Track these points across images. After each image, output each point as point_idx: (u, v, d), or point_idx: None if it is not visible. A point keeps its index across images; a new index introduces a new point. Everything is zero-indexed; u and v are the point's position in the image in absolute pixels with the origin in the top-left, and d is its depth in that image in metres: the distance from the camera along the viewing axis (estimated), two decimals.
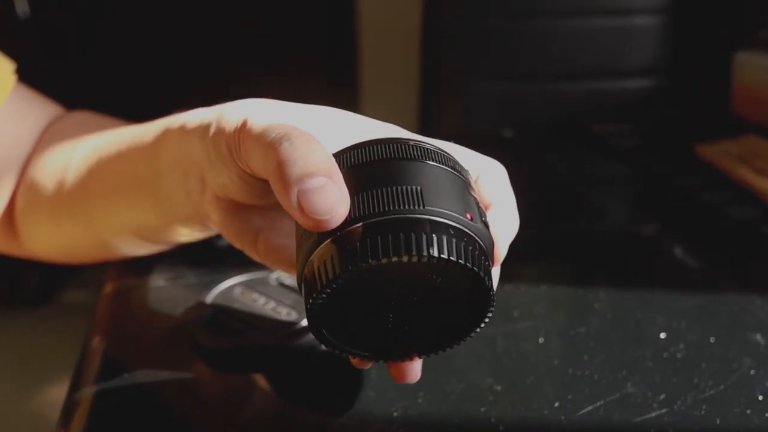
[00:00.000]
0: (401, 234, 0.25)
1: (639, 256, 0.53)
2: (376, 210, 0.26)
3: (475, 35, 1.03)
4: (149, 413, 0.36)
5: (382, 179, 0.27)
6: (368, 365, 0.31)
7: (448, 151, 0.30)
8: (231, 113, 0.31)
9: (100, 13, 1.79)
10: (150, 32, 1.80)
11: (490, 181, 0.32)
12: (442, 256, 0.25)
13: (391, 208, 0.26)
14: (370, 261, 0.24)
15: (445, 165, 0.28)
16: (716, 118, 0.82)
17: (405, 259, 0.25)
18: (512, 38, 1.03)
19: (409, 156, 0.28)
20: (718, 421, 0.34)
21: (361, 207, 0.26)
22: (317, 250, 0.26)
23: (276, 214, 0.36)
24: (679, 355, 0.39)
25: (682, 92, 1.04)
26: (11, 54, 0.48)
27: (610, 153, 0.74)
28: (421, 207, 0.26)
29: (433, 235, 0.25)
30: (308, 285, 0.27)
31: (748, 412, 0.35)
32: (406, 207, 0.26)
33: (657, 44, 1.04)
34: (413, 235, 0.25)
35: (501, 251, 0.30)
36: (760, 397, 0.36)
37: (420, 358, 0.30)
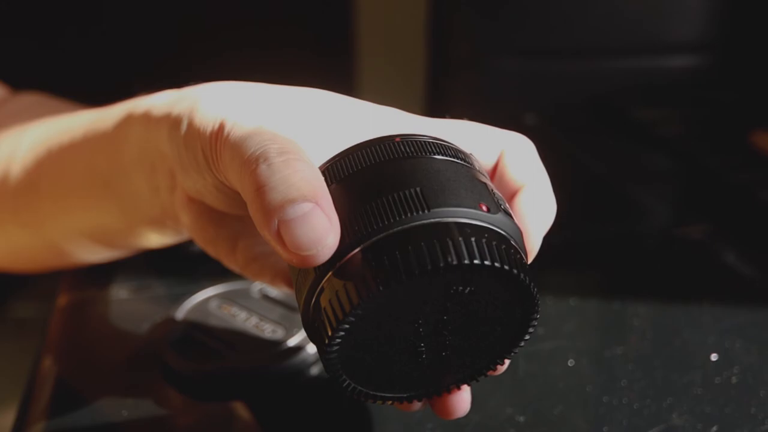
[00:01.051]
0: (409, 248, 0.24)
1: (685, 263, 0.53)
2: (376, 227, 0.25)
3: (491, 5, 1.03)
4: None
5: (375, 189, 0.26)
6: (417, 407, 0.30)
7: (461, 132, 0.30)
8: (205, 111, 0.30)
9: None
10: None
11: (517, 160, 0.31)
12: (463, 261, 0.24)
13: (392, 220, 0.25)
14: (380, 288, 0.24)
15: (444, 154, 0.28)
16: None
17: (419, 277, 0.24)
18: (535, 8, 1.03)
19: (398, 155, 0.27)
20: None
21: (358, 227, 0.25)
22: (319, 288, 0.26)
23: None
24: (733, 380, 0.39)
25: (735, 71, 1.03)
26: None
27: (652, 143, 0.74)
28: (425, 211, 0.25)
29: (447, 239, 0.24)
30: (318, 330, 0.26)
31: None
32: (409, 215, 0.25)
33: (706, 15, 1.04)
34: (423, 246, 0.24)
35: (534, 243, 0.29)
36: None
37: (468, 385, 0.30)
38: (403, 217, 0.25)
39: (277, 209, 0.25)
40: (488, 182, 0.28)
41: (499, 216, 0.26)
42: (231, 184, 0.29)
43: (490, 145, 0.31)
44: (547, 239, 0.31)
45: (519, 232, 0.27)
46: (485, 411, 0.37)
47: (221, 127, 0.29)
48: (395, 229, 0.25)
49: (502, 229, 0.26)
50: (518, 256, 0.26)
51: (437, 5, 1.10)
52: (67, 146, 0.41)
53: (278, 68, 0.33)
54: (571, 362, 0.41)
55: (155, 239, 0.42)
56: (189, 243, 0.43)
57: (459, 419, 0.36)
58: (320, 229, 0.25)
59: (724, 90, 0.99)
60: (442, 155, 0.28)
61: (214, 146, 0.29)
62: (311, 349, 0.39)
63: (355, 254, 0.25)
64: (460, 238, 0.24)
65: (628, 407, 0.37)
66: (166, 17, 1.76)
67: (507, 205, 0.28)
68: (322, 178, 0.27)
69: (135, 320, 0.44)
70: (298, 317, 0.42)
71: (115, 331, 0.44)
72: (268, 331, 0.40)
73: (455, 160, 0.28)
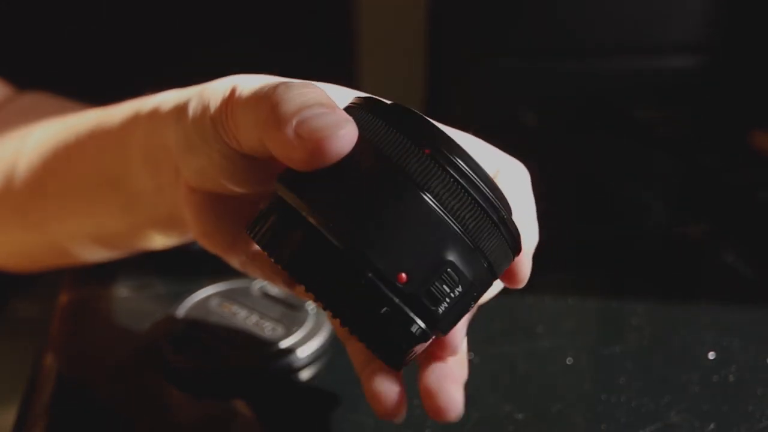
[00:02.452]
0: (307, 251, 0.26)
1: (683, 262, 0.53)
2: (323, 218, 0.25)
3: (490, 5, 1.03)
4: None
5: (354, 189, 0.26)
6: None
7: (466, 145, 0.29)
8: (214, 87, 0.31)
9: None
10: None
11: (509, 184, 0.31)
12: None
13: (329, 225, 0.25)
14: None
15: (452, 191, 0.25)
16: None
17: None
18: (534, 9, 1.03)
19: (402, 171, 0.26)
20: None
21: (324, 205, 0.26)
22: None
23: (254, 212, 0.36)
24: (731, 379, 0.39)
25: (735, 72, 1.03)
26: None
27: (651, 143, 0.74)
28: (345, 246, 0.25)
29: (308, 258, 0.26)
30: None
31: None
32: (337, 237, 0.25)
33: (705, 15, 1.04)
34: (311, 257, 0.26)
35: (523, 265, 0.29)
36: None
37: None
38: (335, 232, 0.25)
39: (294, 113, 0.25)
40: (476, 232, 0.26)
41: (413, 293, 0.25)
42: (239, 140, 0.29)
43: (486, 163, 0.31)
44: (544, 239, 0.32)
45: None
46: (484, 408, 0.37)
47: (233, 92, 0.29)
48: (323, 231, 0.25)
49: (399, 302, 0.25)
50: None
51: (436, 6, 1.10)
52: (73, 145, 0.41)
53: (280, 70, 0.33)
54: (569, 360, 0.41)
55: (159, 240, 0.42)
56: (190, 242, 0.43)
57: None
58: (335, 119, 0.25)
59: (723, 90, 0.99)
60: (449, 193, 0.25)
61: (224, 110, 0.29)
62: (310, 347, 0.39)
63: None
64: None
65: (626, 405, 0.37)
66: (166, 19, 1.77)
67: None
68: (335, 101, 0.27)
69: (136, 318, 0.44)
70: (298, 315, 0.42)
71: (116, 329, 0.44)
72: (268, 329, 0.40)
73: (453, 202, 0.25)
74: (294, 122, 0.25)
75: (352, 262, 0.25)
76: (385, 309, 0.25)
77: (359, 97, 0.28)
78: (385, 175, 0.25)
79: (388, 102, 0.28)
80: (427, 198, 0.25)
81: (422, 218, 0.25)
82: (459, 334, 0.30)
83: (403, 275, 0.25)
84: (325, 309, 0.27)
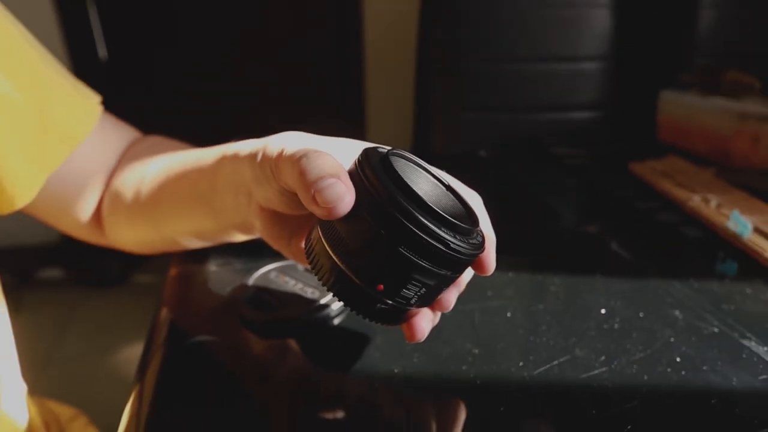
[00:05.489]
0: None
1: (585, 250, 0.53)
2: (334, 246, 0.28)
3: (457, 77, 1.04)
4: (205, 369, 0.36)
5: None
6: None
7: (438, 183, 0.30)
8: (273, 144, 0.31)
9: (166, 65, 1.80)
10: (206, 76, 1.81)
11: (473, 204, 0.31)
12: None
13: (333, 247, 0.28)
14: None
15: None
16: (645, 143, 0.82)
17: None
18: (486, 79, 1.03)
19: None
20: (645, 378, 0.34)
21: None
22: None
23: (304, 223, 0.36)
24: (615, 327, 0.39)
25: (619, 122, 1.04)
26: (96, 90, 0.48)
27: (563, 169, 0.74)
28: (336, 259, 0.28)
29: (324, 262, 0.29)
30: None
31: (669, 370, 0.35)
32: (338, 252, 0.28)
33: (600, 85, 1.04)
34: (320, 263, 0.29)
35: (490, 257, 0.30)
36: (678, 359, 0.36)
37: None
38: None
39: (313, 183, 0.26)
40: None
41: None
42: (287, 185, 0.30)
43: (464, 191, 0.32)
44: (496, 236, 0.32)
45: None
46: (453, 346, 0.37)
47: (281, 152, 0.30)
48: (342, 266, 0.28)
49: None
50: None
51: (423, 78, 1.10)
52: (180, 173, 0.41)
53: (316, 126, 0.34)
54: (509, 314, 0.41)
55: (237, 237, 0.42)
56: (258, 237, 0.43)
57: (436, 351, 0.36)
58: (341, 192, 0.26)
59: (612, 134, 0.99)
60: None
61: (277, 163, 0.30)
62: (338, 304, 0.40)
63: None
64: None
65: (546, 344, 0.37)
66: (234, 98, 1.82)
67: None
68: (342, 165, 0.28)
69: (221, 285, 0.44)
70: None
71: (207, 293, 0.44)
72: (309, 293, 0.40)
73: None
74: (312, 191, 0.26)
75: (362, 286, 0.27)
76: (378, 305, 0.28)
77: (360, 154, 0.28)
78: (373, 232, 0.26)
79: (382, 152, 0.28)
80: (401, 250, 0.26)
81: (396, 258, 0.26)
82: (448, 301, 0.30)
83: (381, 286, 0.27)
84: (339, 301, 0.30)
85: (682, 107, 0.79)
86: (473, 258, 0.28)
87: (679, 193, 0.61)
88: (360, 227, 0.26)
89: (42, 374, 1.39)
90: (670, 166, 0.70)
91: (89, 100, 0.46)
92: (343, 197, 0.26)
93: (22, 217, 0.47)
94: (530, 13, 1.01)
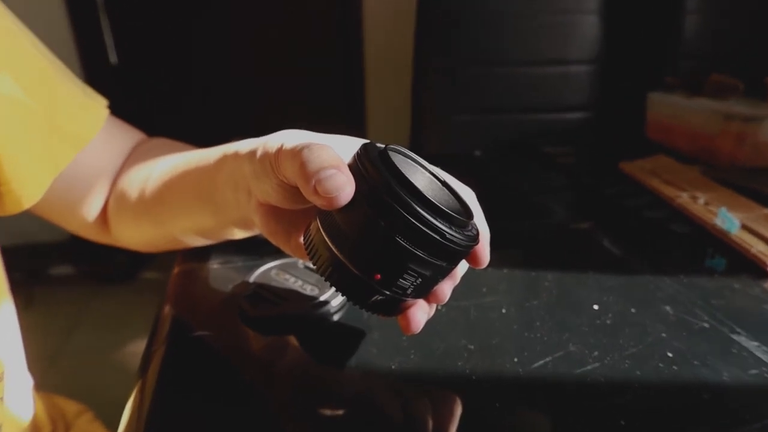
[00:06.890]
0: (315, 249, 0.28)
1: (577, 246, 0.52)
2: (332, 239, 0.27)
3: (452, 80, 1.03)
4: (206, 363, 0.36)
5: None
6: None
7: (436, 178, 0.29)
8: (273, 140, 0.31)
9: (175, 69, 1.79)
10: (212, 81, 1.81)
11: (468, 200, 0.31)
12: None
13: (332, 240, 0.27)
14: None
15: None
16: (634, 142, 0.81)
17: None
18: (481, 82, 1.03)
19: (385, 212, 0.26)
20: (638, 372, 0.34)
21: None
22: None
23: (302, 218, 0.35)
24: (608, 322, 0.39)
25: (608, 123, 1.04)
26: (104, 94, 0.47)
27: (555, 168, 0.74)
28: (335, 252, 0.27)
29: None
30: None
31: (660, 365, 0.34)
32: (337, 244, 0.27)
33: (589, 87, 1.04)
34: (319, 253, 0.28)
35: (485, 249, 0.29)
36: (669, 354, 0.35)
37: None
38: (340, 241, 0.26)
39: (314, 173, 0.25)
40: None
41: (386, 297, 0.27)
42: (286, 177, 0.29)
43: (459, 188, 0.31)
44: (490, 232, 0.31)
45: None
46: (448, 341, 0.36)
47: (281, 146, 0.29)
48: (340, 257, 0.27)
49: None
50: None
51: (418, 84, 1.10)
52: (183, 173, 0.40)
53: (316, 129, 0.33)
54: (504, 310, 0.40)
55: (238, 233, 0.41)
56: (257, 235, 0.42)
57: (431, 346, 0.36)
58: (341, 182, 0.25)
59: (601, 134, 0.99)
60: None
61: (277, 157, 0.29)
62: (337, 301, 0.39)
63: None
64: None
65: (540, 339, 0.37)
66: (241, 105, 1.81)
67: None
68: (341, 157, 0.27)
69: (223, 282, 0.44)
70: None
71: (209, 289, 0.44)
72: (308, 290, 0.40)
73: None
74: (313, 181, 0.25)
75: (359, 276, 0.27)
76: (375, 296, 0.27)
77: (360, 148, 0.28)
78: (371, 222, 0.25)
79: (381, 147, 0.28)
80: (397, 239, 0.25)
81: (392, 248, 0.25)
82: (443, 293, 0.30)
83: (378, 276, 0.26)
84: (337, 291, 0.29)
85: (669, 108, 0.78)
86: (468, 249, 0.27)
87: (667, 191, 0.61)
88: (358, 217, 0.26)
89: (51, 369, 1.38)
90: (657, 164, 0.69)
91: (96, 103, 0.46)
92: (344, 187, 0.25)
93: (33, 216, 0.46)
94: (523, 19, 1.01)
